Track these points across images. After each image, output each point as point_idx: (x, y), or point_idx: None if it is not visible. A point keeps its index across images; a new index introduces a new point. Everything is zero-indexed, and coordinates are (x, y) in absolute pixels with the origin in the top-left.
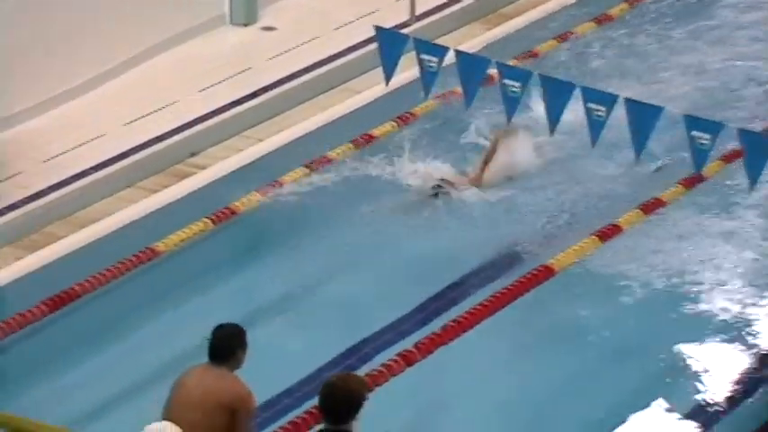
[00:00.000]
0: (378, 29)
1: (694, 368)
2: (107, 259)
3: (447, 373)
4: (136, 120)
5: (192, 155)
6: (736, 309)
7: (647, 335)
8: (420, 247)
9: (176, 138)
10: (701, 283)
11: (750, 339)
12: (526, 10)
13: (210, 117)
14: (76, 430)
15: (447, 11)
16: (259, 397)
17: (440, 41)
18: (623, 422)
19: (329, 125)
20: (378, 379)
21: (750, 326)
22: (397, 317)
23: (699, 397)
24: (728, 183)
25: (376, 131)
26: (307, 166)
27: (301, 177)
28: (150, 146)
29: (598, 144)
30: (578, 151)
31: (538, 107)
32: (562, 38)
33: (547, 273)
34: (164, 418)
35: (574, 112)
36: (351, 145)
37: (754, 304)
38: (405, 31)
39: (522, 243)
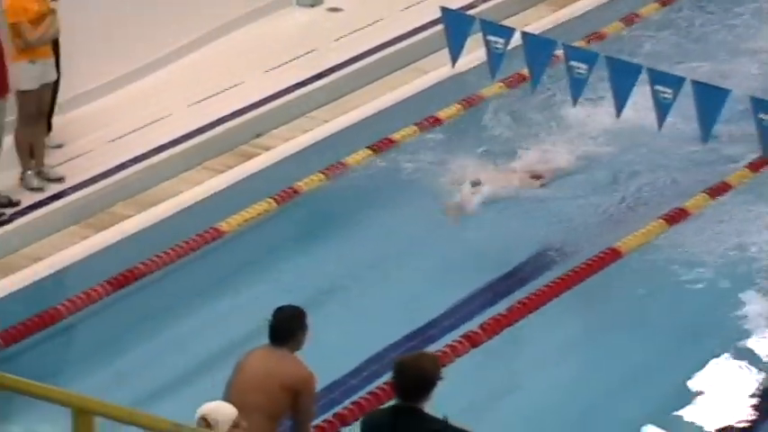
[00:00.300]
0: (444, 10)
1: (764, 352)
2: (171, 239)
3: (512, 354)
4: (201, 100)
5: (258, 135)
6: None
7: (712, 318)
8: (483, 233)
9: (242, 118)
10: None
11: None
12: None
13: (276, 98)
14: (139, 410)
15: None
16: (322, 378)
17: (506, 23)
18: (688, 404)
19: (394, 107)
20: (442, 360)
21: None
22: (461, 298)
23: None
24: None
25: (442, 114)
26: (371, 149)
27: (365, 159)
28: (216, 126)
29: (664, 127)
30: (643, 135)
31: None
32: (628, 19)
33: (613, 255)
34: (225, 400)
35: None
36: (416, 128)
37: None
38: (471, 12)
39: (587, 228)
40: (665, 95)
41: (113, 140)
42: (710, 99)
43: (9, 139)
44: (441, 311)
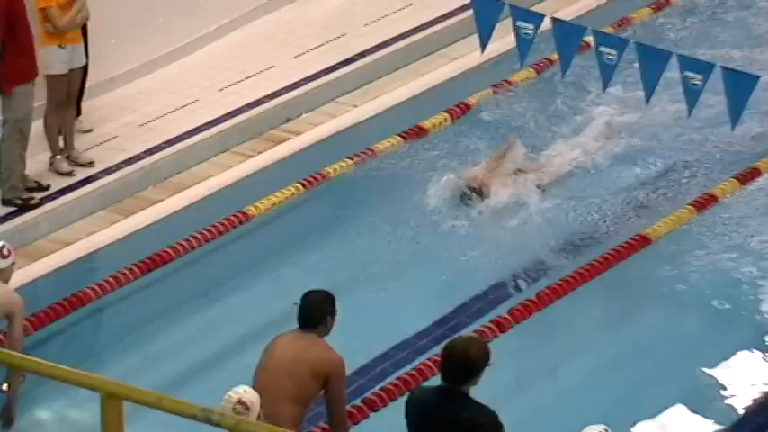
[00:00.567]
0: None
1: None
2: (200, 223)
3: (541, 340)
4: (231, 85)
5: (287, 120)
6: None
7: (741, 304)
8: (520, 220)
9: (271, 103)
10: None
11: None
12: None
13: (306, 83)
14: (167, 395)
15: None
16: (352, 363)
17: (535, 9)
18: (721, 387)
19: (424, 93)
20: None
21: None
22: (491, 283)
23: None
24: None
25: (472, 100)
26: (400, 135)
27: (394, 146)
28: (245, 111)
29: (694, 113)
30: (672, 122)
31: None
32: (657, 6)
33: (643, 242)
34: (254, 384)
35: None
36: (446, 115)
37: None
38: None
39: (616, 214)
40: (695, 81)
41: (143, 125)
42: (740, 85)
43: (38, 124)
44: (469, 297)
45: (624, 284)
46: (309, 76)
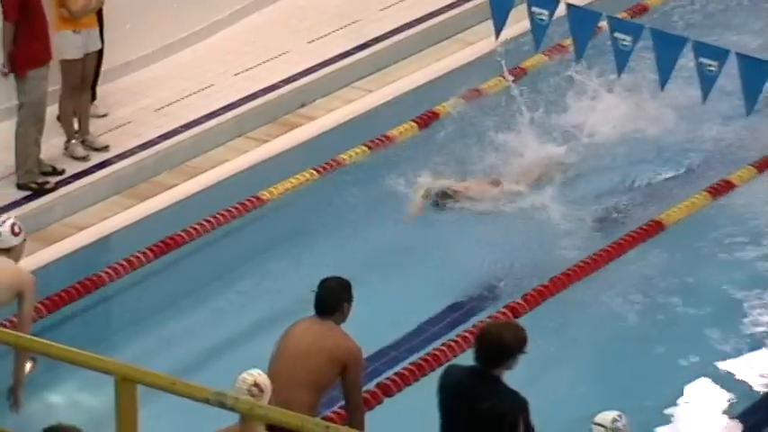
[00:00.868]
0: None
1: None
2: (215, 208)
3: (557, 324)
4: (246, 70)
5: (302, 105)
6: None
7: (758, 294)
8: (532, 203)
9: (286, 88)
10: None
11: None
12: None
13: (320, 68)
14: (181, 379)
15: None
16: (366, 349)
17: None
18: (732, 376)
19: (439, 78)
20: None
21: None
22: (508, 270)
23: None
24: None
25: (485, 86)
26: (415, 121)
27: (409, 131)
28: (260, 96)
29: (709, 100)
30: (687, 109)
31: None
32: None
33: (657, 228)
34: (269, 370)
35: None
36: (460, 99)
37: None
38: None
39: (631, 200)
40: (710, 68)
41: (158, 110)
42: (755, 72)
43: (53, 109)
44: (484, 284)
45: (637, 271)
46: (324, 62)
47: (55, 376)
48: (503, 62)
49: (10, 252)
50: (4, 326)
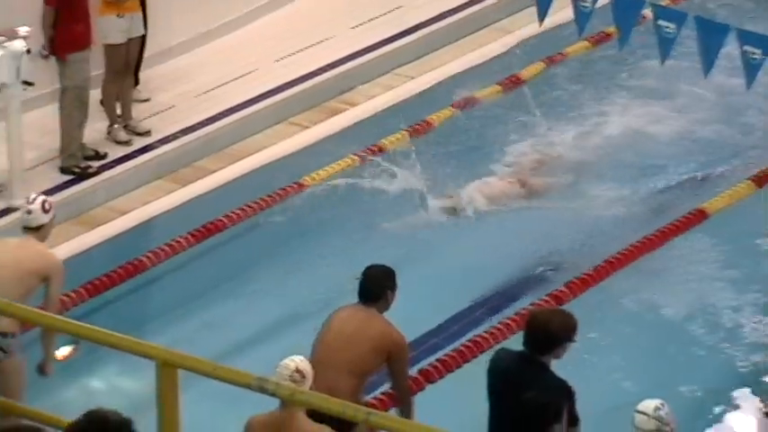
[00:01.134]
0: None
1: None
2: (256, 193)
3: (602, 312)
4: (288, 56)
5: (344, 92)
6: None
7: None
8: (575, 198)
9: (328, 74)
10: None
11: None
12: None
13: (362, 54)
14: (223, 364)
15: None
16: (408, 335)
17: None
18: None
19: (480, 65)
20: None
21: None
22: (550, 259)
23: None
24: None
25: (525, 73)
26: (455, 106)
27: (450, 117)
28: (302, 82)
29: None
30: (729, 97)
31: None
32: None
33: (700, 216)
34: (312, 356)
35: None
36: (498, 87)
37: None
38: None
39: (674, 189)
40: (754, 56)
41: (200, 95)
42: None
43: (96, 93)
44: (527, 271)
45: (676, 261)
46: (366, 48)
47: (96, 360)
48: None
49: (39, 231)
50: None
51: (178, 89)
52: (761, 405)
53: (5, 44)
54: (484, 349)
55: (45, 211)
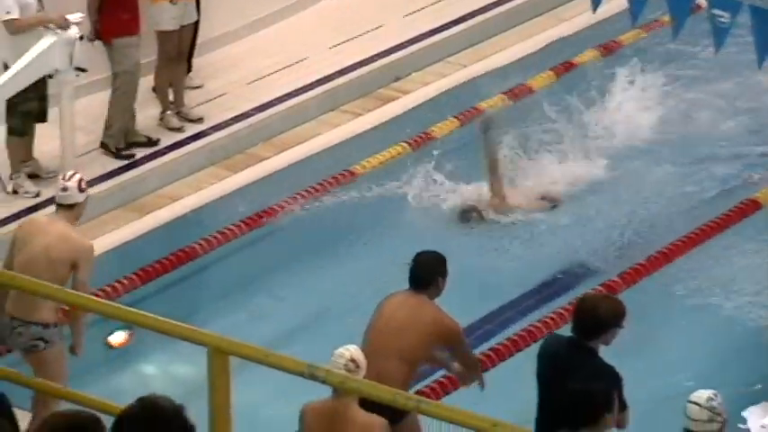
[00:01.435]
0: None
1: None
2: (308, 181)
3: (651, 304)
4: (340, 43)
5: (396, 79)
6: None
7: None
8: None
9: (380, 62)
10: None
11: None
12: None
13: (414, 42)
14: (275, 351)
15: None
16: (462, 322)
17: None
18: None
19: (533, 53)
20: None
21: None
22: (604, 250)
23: None
24: None
25: (577, 59)
26: (506, 94)
27: (501, 104)
28: (354, 70)
29: None
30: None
31: None
32: None
33: (753, 206)
34: (364, 343)
35: None
36: (551, 73)
37: None
38: None
39: (728, 179)
40: None
41: (252, 82)
42: None
43: (148, 80)
44: (579, 261)
45: (729, 252)
46: (418, 36)
47: (148, 347)
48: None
49: (72, 210)
50: (98, 296)
51: (230, 76)
52: None
53: (58, 31)
54: (537, 338)
55: (81, 190)
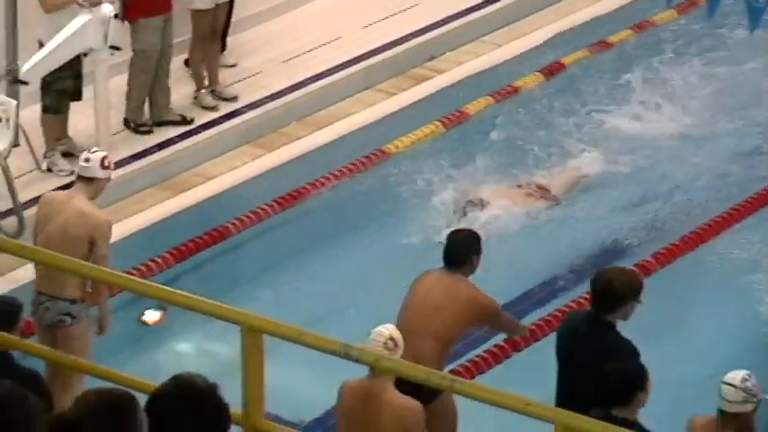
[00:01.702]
0: None
1: None
2: (342, 160)
3: (683, 285)
4: (375, 22)
5: (431, 58)
6: None
7: None
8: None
9: (415, 41)
10: None
11: None
12: None
13: (449, 21)
14: (310, 331)
15: None
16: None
17: None
18: None
19: (568, 32)
20: None
21: None
22: (634, 231)
23: None
24: None
25: (612, 38)
26: (541, 72)
27: (535, 83)
28: (389, 49)
29: None
30: None
31: None
32: None
33: None
34: (398, 322)
35: None
36: (587, 50)
37: None
38: None
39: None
40: None
41: (287, 61)
42: None
43: (181, 59)
44: (611, 243)
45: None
46: (454, 15)
47: (182, 325)
48: None
49: (91, 184)
50: (132, 274)
51: (265, 55)
52: None
53: (93, 9)
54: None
55: (103, 166)
